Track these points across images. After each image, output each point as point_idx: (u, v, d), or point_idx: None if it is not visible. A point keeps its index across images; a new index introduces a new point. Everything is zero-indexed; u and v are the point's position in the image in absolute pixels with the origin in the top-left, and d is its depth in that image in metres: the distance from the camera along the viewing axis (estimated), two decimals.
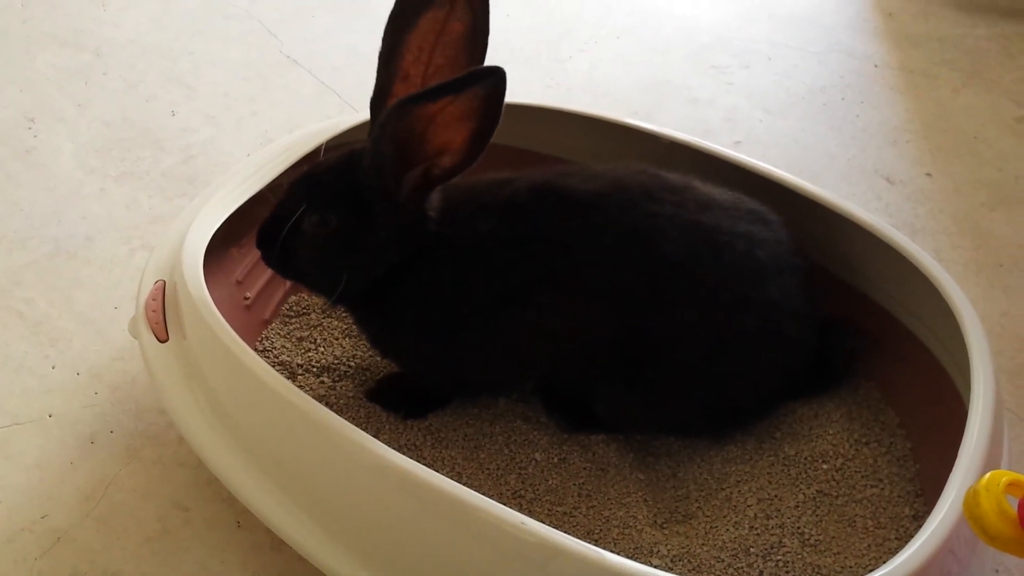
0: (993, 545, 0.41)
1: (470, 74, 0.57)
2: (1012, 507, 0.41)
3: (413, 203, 0.64)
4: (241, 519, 0.68)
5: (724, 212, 0.67)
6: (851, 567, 0.62)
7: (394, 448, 0.55)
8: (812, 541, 0.64)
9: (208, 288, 0.64)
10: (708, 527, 0.65)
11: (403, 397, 0.74)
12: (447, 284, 0.66)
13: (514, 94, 1.19)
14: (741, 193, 0.70)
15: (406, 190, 0.63)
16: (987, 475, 0.42)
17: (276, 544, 0.67)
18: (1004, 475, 0.42)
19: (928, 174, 1.10)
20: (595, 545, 0.51)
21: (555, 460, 0.70)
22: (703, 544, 0.64)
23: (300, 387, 0.69)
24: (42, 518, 0.68)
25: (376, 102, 0.64)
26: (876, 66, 1.30)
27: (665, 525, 0.66)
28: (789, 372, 0.71)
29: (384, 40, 0.63)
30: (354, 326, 0.76)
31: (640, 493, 0.68)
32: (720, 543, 0.64)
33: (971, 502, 0.42)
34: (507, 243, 0.66)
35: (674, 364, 0.67)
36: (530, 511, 0.66)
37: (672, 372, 0.67)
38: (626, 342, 0.66)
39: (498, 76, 0.56)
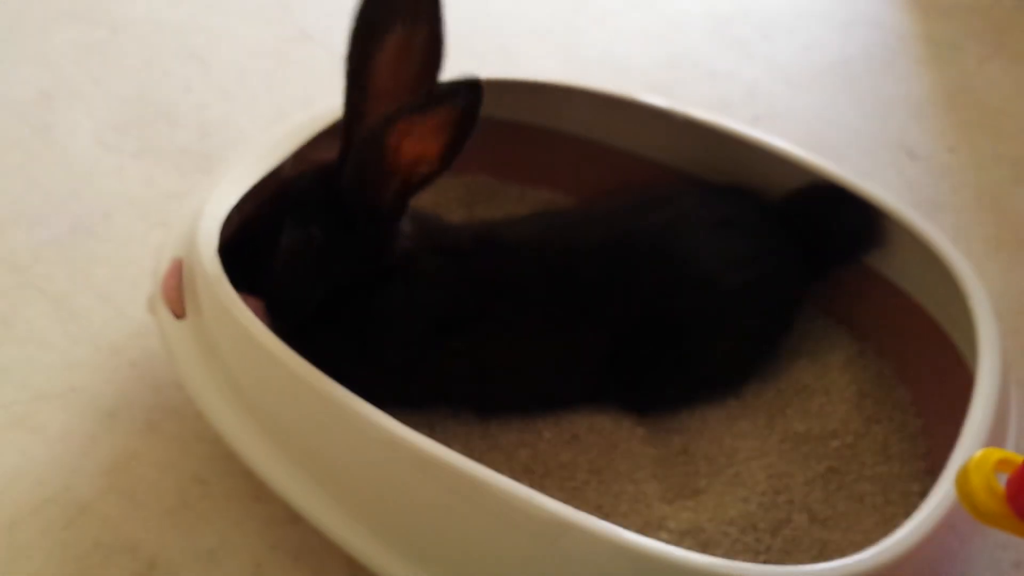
0: (982, 521, 0.41)
1: (450, 88, 0.56)
2: (1001, 484, 0.41)
3: (396, 209, 0.66)
4: (258, 492, 0.70)
5: (630, 219, 0.73)
6: (859, 543, 0.62)
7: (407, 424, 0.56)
8: (821, 517, 0.64)
9: None
10: (717, 502, 0.66)
11: None
12: (399, 308, 0.68)
13: (530, 69, 1.19)
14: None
15: (388, 198, 0.64)
16: (978, 453, 0.42)
17: (292, 517, 0.68)
18: (994, 453, 0.42)
19: (951, 148, 1.08)
20: (605, 519, 0.51)
21: (567, 437, 0.71)
22: (711, 519, 0.64)
23: None
24: (66, 490, 0.70)
25: (349, 121, 0.65)
26: (901, 37, 1.28)
27: (674, 500, 0.66)
28: (758, 318, 0.74)
29: (350, 60, 0.64)
30: None
31: (650, 469, 0.68)
32: (728, 518, 0.64)
33: (961, 479, 0.42)
34: (453, 279, 0.69)
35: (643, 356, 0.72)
36: (541, 486, 0.67)
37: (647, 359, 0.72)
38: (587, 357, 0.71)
39: (475, 89, 0.56)
